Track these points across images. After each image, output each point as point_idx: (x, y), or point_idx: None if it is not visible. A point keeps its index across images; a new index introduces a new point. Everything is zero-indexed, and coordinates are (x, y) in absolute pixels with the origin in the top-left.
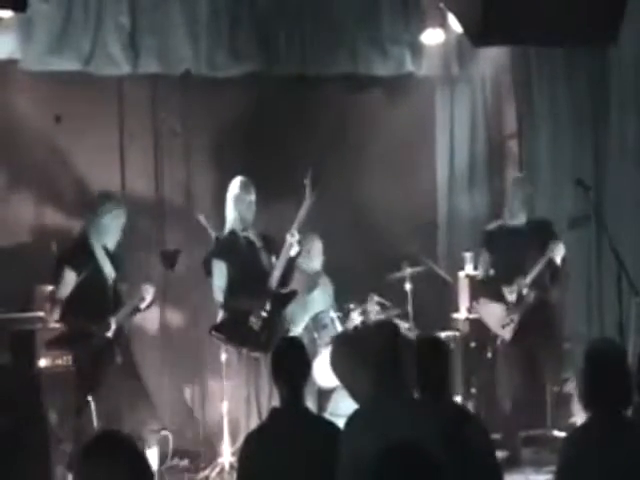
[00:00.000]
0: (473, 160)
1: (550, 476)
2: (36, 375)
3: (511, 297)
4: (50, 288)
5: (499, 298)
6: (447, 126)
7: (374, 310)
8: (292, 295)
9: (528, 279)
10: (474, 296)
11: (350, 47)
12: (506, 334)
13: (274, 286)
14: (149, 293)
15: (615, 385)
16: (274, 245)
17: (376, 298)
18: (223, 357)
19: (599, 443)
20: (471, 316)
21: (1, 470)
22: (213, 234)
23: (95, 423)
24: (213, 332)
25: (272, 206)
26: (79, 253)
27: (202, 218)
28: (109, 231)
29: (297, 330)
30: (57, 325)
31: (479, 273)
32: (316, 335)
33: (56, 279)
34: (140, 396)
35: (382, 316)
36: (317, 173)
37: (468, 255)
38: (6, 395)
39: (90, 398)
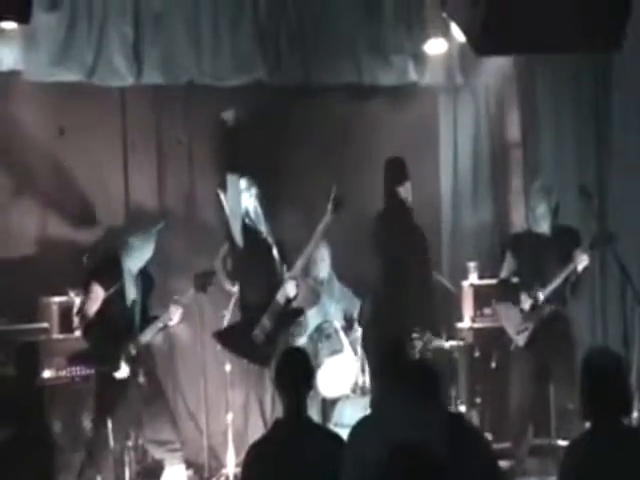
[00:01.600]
0: (477, 169)
1: None
2: (40, 386)
3: (526, 305)
4: (60, 300)
5: (517, 302)
6: (450, 135)
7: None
8: (298, 313)
9: (547, 289)
10: (497, 298)
11: (353, 56)
12: (520, 340)
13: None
14: (177, 314)
15: (614, 394)
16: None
17: None
18: (227, 368)
19: (599, 452)
20: (475, 325)
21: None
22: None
23: (111, 443)
24: (216, 338)
25: (275, 214)
26: (109, 270)
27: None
28: (139, 254)
29: (301, 341)
30: (61, 336)
31: (502, 275)
32: (320, 345)
33: (85, 293)
34: (162, 415)
35: None
36: (342, 192)
37: (472, 264)
38: (10, 406)
39: (108, 418)
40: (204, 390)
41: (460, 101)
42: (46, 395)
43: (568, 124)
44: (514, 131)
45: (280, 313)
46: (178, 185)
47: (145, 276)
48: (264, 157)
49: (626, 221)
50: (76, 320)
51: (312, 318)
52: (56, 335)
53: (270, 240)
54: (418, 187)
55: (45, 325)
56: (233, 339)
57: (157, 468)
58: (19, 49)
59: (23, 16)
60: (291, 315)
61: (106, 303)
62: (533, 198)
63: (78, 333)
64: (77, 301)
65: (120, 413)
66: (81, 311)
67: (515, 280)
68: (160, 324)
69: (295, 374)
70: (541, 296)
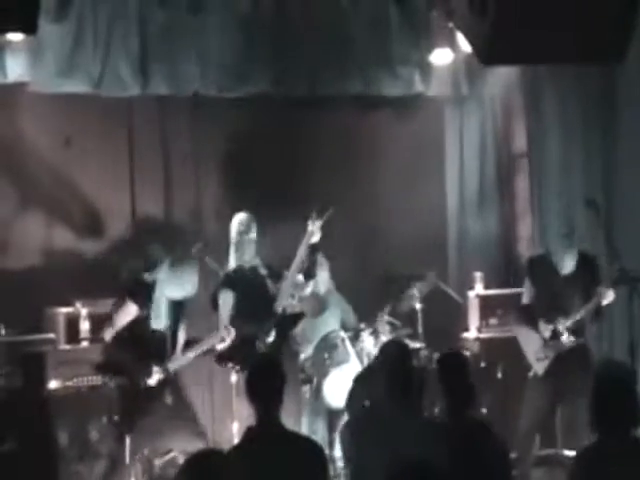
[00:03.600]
0: (483, 179)
1: None
2: (46, 397)
3: (546, 334)
4: (67, 310)
5: (537, 329)
6: (457, 146)
7: (384, 330)
8: (298, 317)
9: (569, 322)
10: (518, 322)
11: (359, 67)
12: (540, 369)
13: (291, 282)
14: (229, 335)
15: (623, 406)
16: (279, 274)
17: (386, 318)
18: (233, 378)
19: (609, 463)
20: (481, 336)
21: None
22: (221, 272)
23: (127, 461)
24: (218, 361)
25: (282, 226)
26: (145, 291)
27: (209, 260)
28: (180, 282)
29: (307, 351)
30: (67, 347)
31: (524, 300)
32: (326, 355)
33: (117, 306)
34: (189, 428)
35: (392, 336)
36: (324, 207)
37: (478, 275)
38: (16, 416)
39: (130, 429)
40: (210, 400)
41: (466, 111)
42: (52, 406)
43: (575, 134)
44: (520, 141)
45: (280, 320)
46: (184, 195)
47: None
48: (269, 168)
49: (634, 230)
50: (105, 326)
51: (317, 328)
52: (62, 346)
53: (258, 264)
54: (424, 197)
55: (51, 336)
56: (236, 356)
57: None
58: (26, 60)
59: (29, 27)
60: (291, 320)
61: (138, 320)
62: (557, 245)
63: (85, 344)
64: (83, 312)
65: (142, 426)
66: (110, 320)
67: (534, 303)
68: (208, 346)
69: (265, 382)
70: (561, 327)
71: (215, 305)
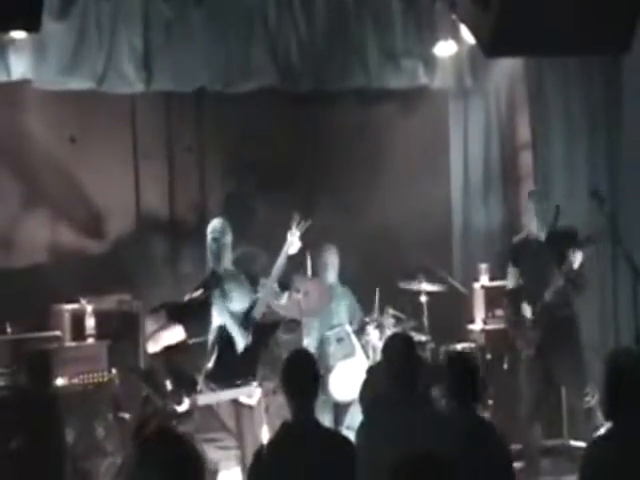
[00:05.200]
0: (487, 171)
1: None
2: (52, 394)
3: (527, 313)
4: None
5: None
6: (461, 138)
7: (390, 323)
8: (275, 326)
9: (547, 293)
10: (506, 309)
11: (363, 61)
12: (530, 350)
13: (270, 292)
14: (257, 393)
15: (636, 391)
16: (257, 278)
17: (391, 311)
18: None
19: (624, 449)
20: (487, 327)
21: None
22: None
23: None
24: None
25: (286, 219)
26: (197, 321)
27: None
28: (233, 301)
29: (312, 344)
30: (73, 344)
31: (508, 286)
32: (332, 349)
33: (168, 326)
34: (211, 420)
35: (398, 329)
36: (302, 218)
37: (483, 266)
38: (23, 414)
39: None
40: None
41: (470, 103)
42: (59, 403)
43: (579, 125)
44: (524, 133)
45: (256, 328)
46: (189, 192)
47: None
48: (273, 163)
49: (638, 221)
50: (150, 344)
51: (323, 321)
52: (68, 343)
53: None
54: (429, 189)
55: (57, 333)
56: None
57: None
58: (29, 58)
59: (33, 25)
60: (268, 329)
61: (183, 344)
62: (529, 204)
63: (91, 340)
64: (89, 308)
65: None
66: (155, 335)
67: (520, 287)
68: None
69: (302, 377)
70: (540, 302)
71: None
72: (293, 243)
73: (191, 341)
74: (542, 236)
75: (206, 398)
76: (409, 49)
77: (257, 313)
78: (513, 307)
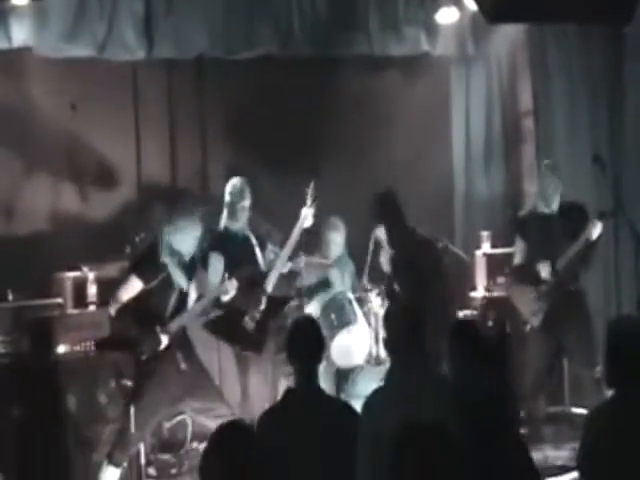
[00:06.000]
0: (489, 138)
1: (570, 452)
2: (54, 361)
3: (544, 273)
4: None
5: (532, 283)
6: (463, 105)
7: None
8: (286, 300)
9: (563, 261)
10: (511, 282)
11: (365, 28)
12: (535, 321)
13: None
14: (233, 287)
15: (635, 360)
16: (265, 245)
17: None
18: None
19: (627, 417)
20: (489, 295)
21: (19, 455)
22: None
23: (133, 429)
24: (207, 328)
25: (288, 187)
26: (149, 265)
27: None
28: (184, 244)
29: (315, 311)
30: (75, 311)
31: (515, 260)
32: (333, 316)
33: (122, 281)
34: (209, 392)
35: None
36: (317, 193)
37: (485, 234)
38: (25, 382)
39: (131, 407)
40: (218, 362)
41: (472, 71)
42: (60, 370)
43: (581, 92)
44: (526, 100)
45: (270, 300)
46: (190, 159)
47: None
48: (274, 130)
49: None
50: (112, 306)
51: (324, 291)
52: (70, 310)
53: (252, 239)
54: (430, 157)
55: (59, 300)
56: (223, 328)
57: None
58: (30, 25)
59: None
60: (279, 302)
61: (144, 293)
62: (543, 178)
63: (92, 308)
64: (91, 276)
65: (155, 397)
66: (115, 295)
67: (526, 260)
68: (211, 299)
69: (306, 343)
70: (554, 269)
71: (205, 265)
72: (307, 217)
73: (150, 286)
74: (553, 208)
75: (178, 321)
76: (411, 16)
77: (269, 285)
78: (521, 281)
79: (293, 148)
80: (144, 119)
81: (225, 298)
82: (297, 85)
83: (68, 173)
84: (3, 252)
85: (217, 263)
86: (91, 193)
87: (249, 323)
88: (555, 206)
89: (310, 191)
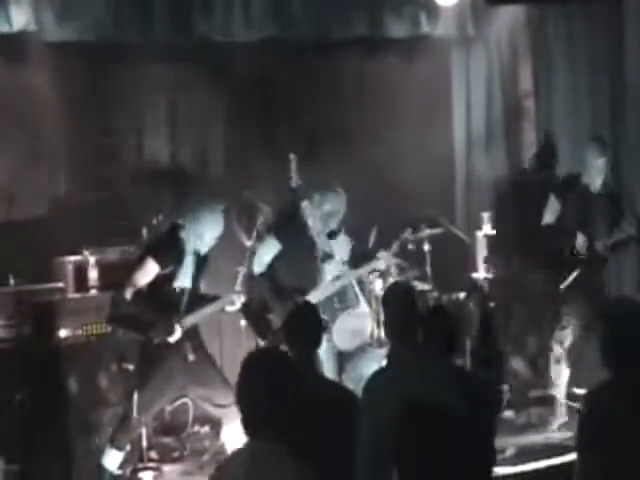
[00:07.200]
0: (490, 119)
1: (558, 434)
2: (56, 346)
3: (580, 241)
4: (75, 259)
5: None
6: (463, 86)
7: (392, 272)
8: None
9: (611, 240)
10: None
11: (365, 10)
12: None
13: None
14: (240, 299)
15: (634, 342)
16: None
17: (394, 260)
18: (243, 323)
19: (624, 399)
20: (490, 275)
21: (22, 438)
22: (266, 208)
23: (135, 413)
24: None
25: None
26: (168, 249)
27: (247, 194)
28: (205, 237)
29: (317, 296)
30: (76, 296)
31: (546, 219)
32: (336, 299)
33: (138, 265)
34: (215, 382)
35: (400, 278)
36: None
37: (486, 215)
38: (26, 366)
39: (135, 392)
40: (219, 345)
41: (472, 52)
42: (62, 355)
43: (582, 72)
44: (527, 81)
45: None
46: (191, 141)
47: (203, 257)
48: (276, 113)
49: None
50: (127, 290)
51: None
52: (71, 294)
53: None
54: (431, 139)
55: (60, 285)
56: (251, 315)
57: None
58: (30, 9)
59: None
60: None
61: (160, 278)
62: (591, 152)
63: (94, 292)
64: (92, 260)
65: (160, 385)
66: (130, 278)
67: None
68: (218, 308)
69: (305, 328)
70: (599, 245)
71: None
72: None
73: (165, 271)
74: (596, 187)
75: (192, 318)
76: None
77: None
78: (552, 241)
79: (293, 129)
80: (145, 102)
81: (230, 309)
82: (297, 67)
83: (69, 158)
84: (5, 236)
85: (272, 246)
86: (91, 177)
87: (274, 321)
88: (599, 182)
89: (292, 164)
